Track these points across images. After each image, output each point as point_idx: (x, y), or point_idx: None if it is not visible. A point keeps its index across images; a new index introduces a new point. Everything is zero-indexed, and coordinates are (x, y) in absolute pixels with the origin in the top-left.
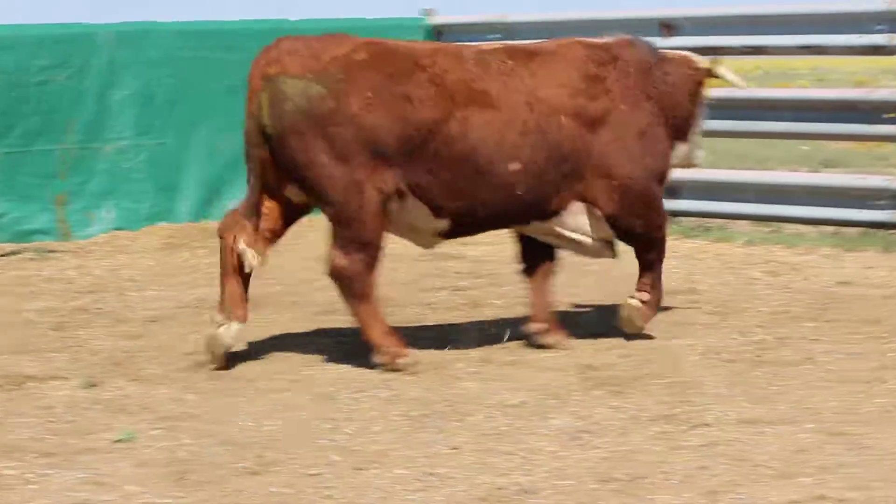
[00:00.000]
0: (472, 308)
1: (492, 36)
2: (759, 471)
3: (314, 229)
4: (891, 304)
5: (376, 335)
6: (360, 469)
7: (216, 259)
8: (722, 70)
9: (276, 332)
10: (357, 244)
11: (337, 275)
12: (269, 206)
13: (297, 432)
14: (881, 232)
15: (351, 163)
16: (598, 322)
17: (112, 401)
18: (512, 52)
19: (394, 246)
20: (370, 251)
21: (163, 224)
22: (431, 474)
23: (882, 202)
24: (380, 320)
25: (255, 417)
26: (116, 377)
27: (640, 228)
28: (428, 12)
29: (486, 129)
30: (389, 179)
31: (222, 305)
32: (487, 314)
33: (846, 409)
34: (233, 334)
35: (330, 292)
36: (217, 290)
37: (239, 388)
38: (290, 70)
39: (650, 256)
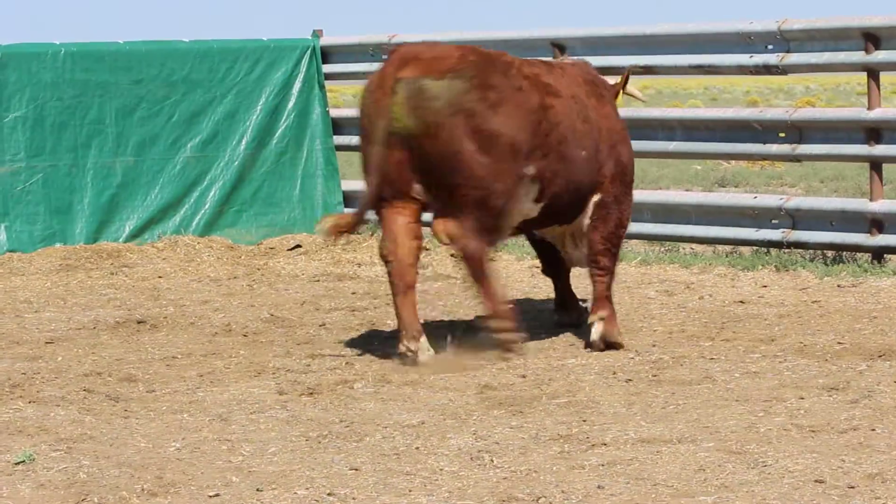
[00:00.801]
0: (368, 329)
1: (378, 57)
2: (658, 490)
3: (208, 249)
4: (786, 323)
5: (501, 309)
6: (260, 490)
7: (113, 280)
8: (629, 87)
9: (172, 353)
10: (490, 228)
11: (469, 257)
12: (410, 209)
13: (195, 453)
14: (775, 251)
15: (496, 152)
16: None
17: (10, 422)
18: (545, 62)
19: (289, 267)
20: (498, 235)
21: (58, 246)
22: (332, 495)
23: (776, 221)
24: (501, 296)
25: (152, 439)
26: (14, 399)
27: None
28: (318, 33)
29: (568, 118)
30: (524, 166)
31: (406, 333)
32: (384, 335)
33: (745, 428)
34: (427, 350)
35: (227, 313)
36: None
37: (136, 409)
38: (431, 71)
39: (612, 266)
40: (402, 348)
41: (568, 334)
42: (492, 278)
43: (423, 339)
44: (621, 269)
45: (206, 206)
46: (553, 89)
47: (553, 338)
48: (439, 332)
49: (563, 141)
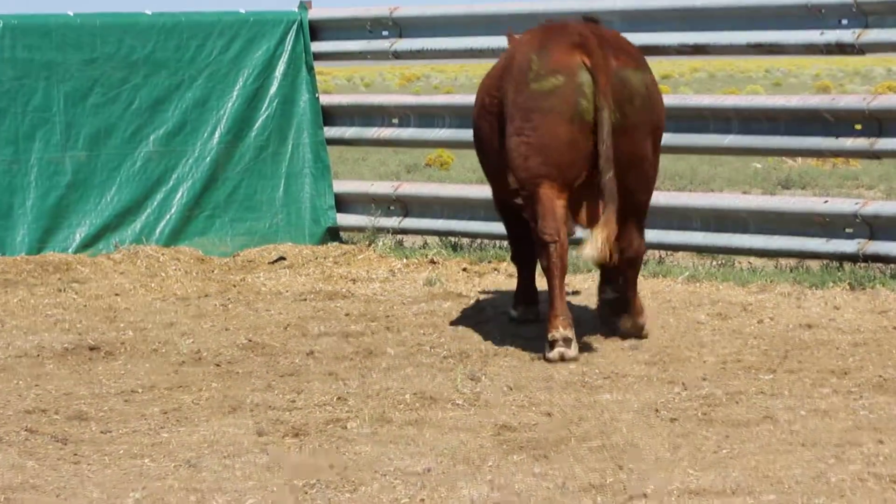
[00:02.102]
0: (364, 357)
1: (378, 33)
2: None
3: (174, 261)
4: (862, 352)
5: (639, 300)
6: None
7: (61, 299)
8: None
9: (132, 385)
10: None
11: (639, 258)
12: (566, 197)
13: None
14: (849, 265)
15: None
16: (512, 372)
17: None
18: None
19: (270, 283)
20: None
21: None
22: None
23: (850, 230)
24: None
25: (107, 489)
26: None
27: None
28: (306, 5)
29: None
30: None
31: (564, 318)
32: (383, 365)
33: (813, 478)
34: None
35: (197, 338)
36: None
37: (87, 453)
38: (631, 61)
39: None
40: (556, 335)
41: (602, 361)
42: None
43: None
44: (665, 287)
45: (172, 211)
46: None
47: (584, 368)
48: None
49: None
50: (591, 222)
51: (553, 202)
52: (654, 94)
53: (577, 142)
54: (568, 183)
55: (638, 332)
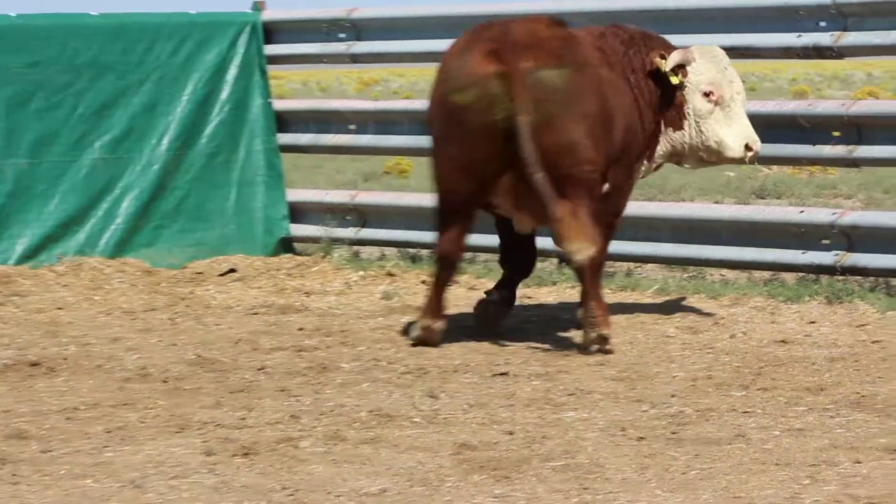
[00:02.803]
0: (318, 373)
1: (335, 36)
2: None
3: (119, 274)
4: (839, 368)
5: (604, 307)
6: None
7: (1, 313)
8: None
9: (74, 403)
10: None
11: (588, 265)
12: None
13: None
14: (826, 278)
15: None
16: (473, 388)
17: None
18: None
19: (221, 296)
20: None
21: None
22: None
23: (827, 241)
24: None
25: None
26: None
27: None
28: (259, 6)
29: None
30: None
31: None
32: (337, 381)
33: (787, 499)
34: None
35: (143, 354)
36: None
37: (27, 473)
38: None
39: None
40: (417, 324)
41: (567, 377)
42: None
43: None
44: (633, 300)
45: (118, 221)
46: None
47: (548, 384)
48: None
49: None
50: (550, 223)
51: (456, 217)
52: (579, 86)
53: (494, 153)
54: (481, 195)
55: (601, 344)
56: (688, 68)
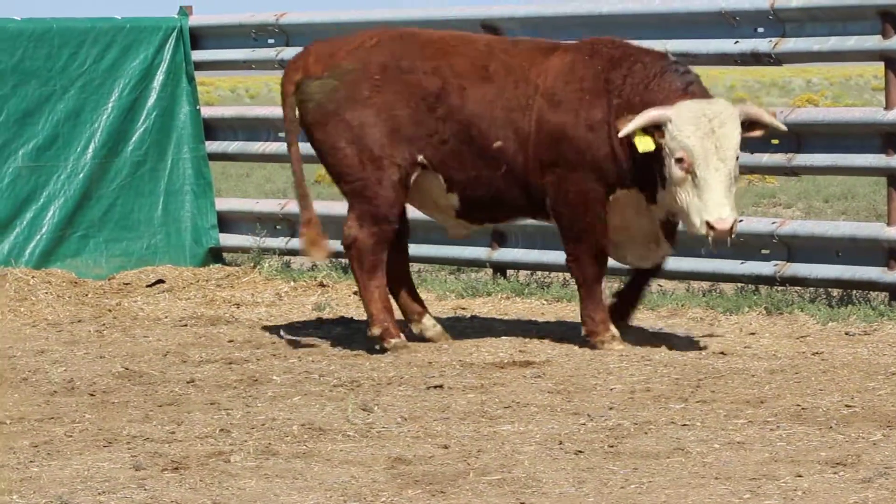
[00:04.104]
0: (248, 386)
1: (263, 41)
2: None
3: (45, 285)
4: (779, 380)
5: (376, 309)
6: None
7: None
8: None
9: None
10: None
11: (350, 245)
12: None
13: None
14: (765, 289)
15: None
16: (407, 401)
17: None
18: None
19: (149, 307)
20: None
21: None
22: None
23: (766, 251)
24: (383, 296)
25: None
26: None
27: None
28: (186, 11)
29: None
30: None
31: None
32: (268, 394)
33: None
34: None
35: (70, 367)
36: None
37: None
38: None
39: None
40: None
41: (503, 390)
42: (376, 272)
43: None
44: (566, 312)
45: (43, 231)
46: None
47: (483, 397)
48: None
49: None
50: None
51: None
52: (332, 95)
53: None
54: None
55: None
56: (665, 129)
